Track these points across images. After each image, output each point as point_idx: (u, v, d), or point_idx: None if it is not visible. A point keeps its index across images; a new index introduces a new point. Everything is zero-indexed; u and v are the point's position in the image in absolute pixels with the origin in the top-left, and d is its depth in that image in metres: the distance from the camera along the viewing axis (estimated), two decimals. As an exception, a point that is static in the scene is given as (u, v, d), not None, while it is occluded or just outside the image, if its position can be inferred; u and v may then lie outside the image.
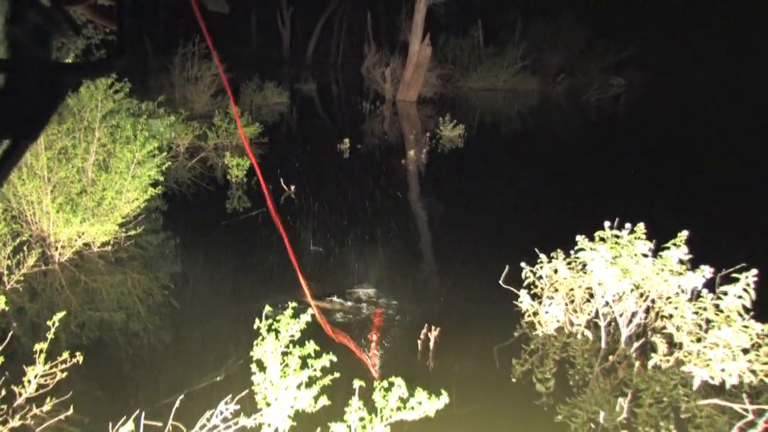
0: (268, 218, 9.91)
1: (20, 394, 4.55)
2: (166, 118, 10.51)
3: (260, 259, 8.26)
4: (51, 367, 4.63)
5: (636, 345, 5.92)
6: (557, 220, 9.98)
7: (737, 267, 5.61)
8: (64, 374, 4.65)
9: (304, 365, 4.10)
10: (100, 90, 7.95)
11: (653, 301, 5.99)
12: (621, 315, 6.00)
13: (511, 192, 12.55)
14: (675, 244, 5.72)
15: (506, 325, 6.47)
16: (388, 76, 27.66)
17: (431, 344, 5.91)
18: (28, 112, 0.60)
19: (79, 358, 4.65)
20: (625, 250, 5.85)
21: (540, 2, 34.23)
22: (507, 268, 6.90)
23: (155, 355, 5.90)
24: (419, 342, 5.97)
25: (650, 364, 5.65)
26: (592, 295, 6.16)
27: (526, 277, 6.41)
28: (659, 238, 5.91)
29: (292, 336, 4.15)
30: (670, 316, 5.74)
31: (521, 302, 6.40)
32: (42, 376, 4.64)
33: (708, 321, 5.53)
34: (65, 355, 4.63)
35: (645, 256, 5.79)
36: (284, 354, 4.12)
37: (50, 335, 4.63)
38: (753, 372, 5.23)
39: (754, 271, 5.29)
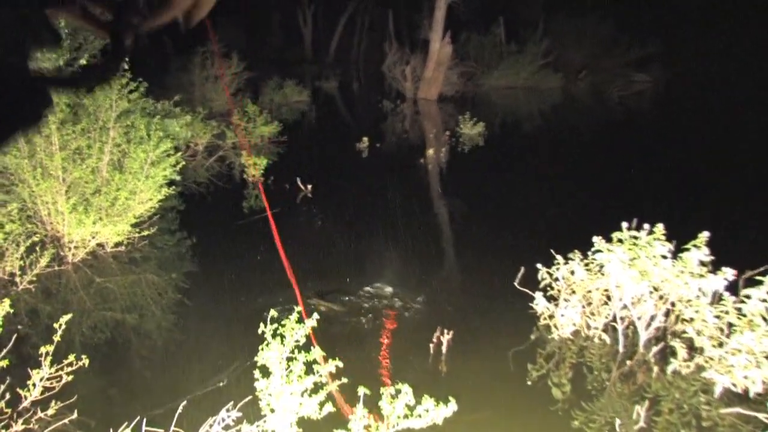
0: (282, 218, 9.87)
1: (26, 398, 4.51)
2: (183, 118, 10.48)
3: (274, 260, 8.19)
4: (57, 370, 4.58)
5: (655, 349, 5.74)
6: (576, 219, 9.80)
7: (761, 269, 5.43)
8: (70, 377, 4.61)
9: (309, 371, 4.02)
10: (114, 89, 7.93)
11: (673, 304, 5.81)
12: (639, 318, 5.83)
13: (529, 191, 12.36)
14: (695, 246, 5.54)
15: (522, 328, 6.32)
16: (408, 74, 27.50)
17: (444, 348, 5.79)
18: None
19: (85, 361, 4.60)
20: (643, 252, 5.67)
21: (563, -1, 33.91)
22: (522, 269, 6.75)
23: (163, 357, 5.87)
24: (431, 345, 5.85)
25: (670, 369, 5.49)
26: (609, 298, 5.99)
27: (543, 279, 6.27)
28: (679, 239, 5.73)
29: (297, 341, 4.06)
30: (691, 319, 5.56)
31: (537, 305, 6.26)
32: (48, 379, 4.59)
33: (730, 325, 5.34)
34: (71, 358, 4.58)
35: (664, 257, 5.61)
36: (289, 360, 4.03)
37: (57, 338, 4.59)
38: (777, 379, 5.04)
39: (779, 274, 5.11)
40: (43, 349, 4.53)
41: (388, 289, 7.14)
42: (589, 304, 6.13)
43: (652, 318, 5.84)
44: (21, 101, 0.56)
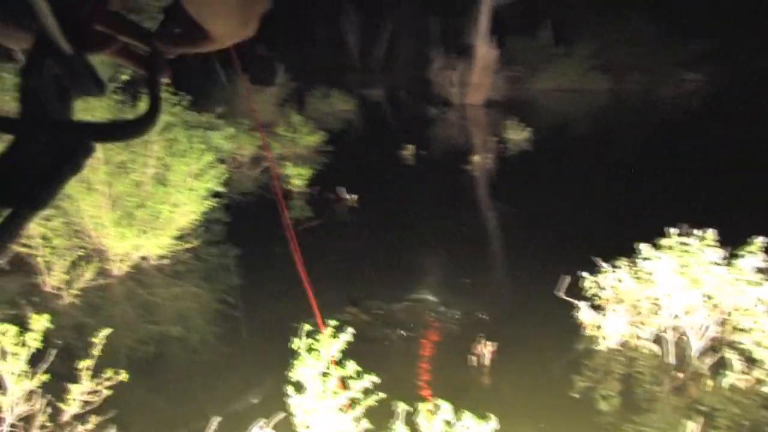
0: (326, 228, 9.85)
1: (66, 411, 4.54)
2: (226, 130, 10.57)
3: (317, 272, 8.16)
4: (97, 384, 4.61)
5: (709, 361, 5.48)
6: (623, 225, 9.49)
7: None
8: (110, 392, 4.62)
9: (344, 386, 3.94)
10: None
11: (728, 314, 5.54)
12: (691, 328, 5.57)
13: (574, 196, 12.07)
14: (750, 252, 5.28)
15: (566, 339, 6.12)
16: (454, 79, 27.37)
17: (486, 360, 5.64)
18: (35, 178, 0.53)
19: (124, 375, 4.62)
20: (693, 259, 5.43)
21: (611, -1, 33.29)
22: (566, 278, 6.54)
23: (206, 370, 5.86)
24: (473, 357, 5.70)
25: (725, 382, 5.22)
26: (658, 307, 5.74)
27: (588, 288, 6.05)
28: (733, 245, 5.47)
29: (332, 356, 3.99)
30: (749, 329, 5.28)
31: (581, 314, 6.05)
32: (89, 393, 4.62)
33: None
34: (110, 372, 4.60)
35: (716, 264, 5.36)
36: (324, 375, 3.96)
37: (95, 352, 4.62)
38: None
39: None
40: (81, 364, 4.56)
41: (429, 299, 7.03)
42: (638, 313, 5.89)
43: (705, 328, 5.57)
44: (66, 155, 0.53)
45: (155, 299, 7.23)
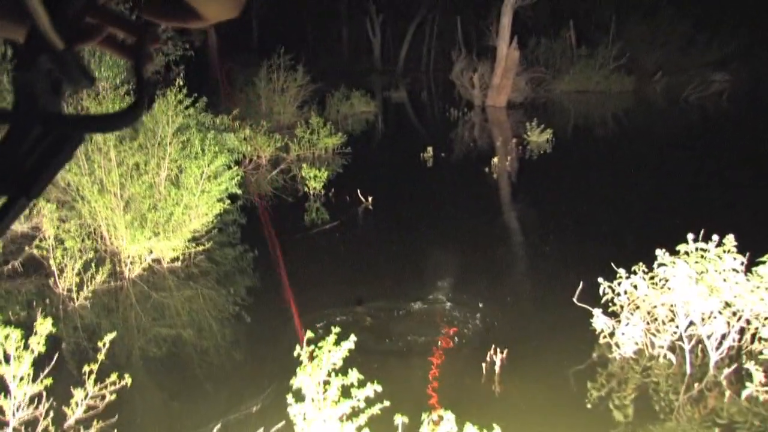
0: (342, 231, 9.79)
1: (69, 416, 4.52)
2: (241, 132, 10.56)
3: (332, 274, 8.11)
4: (101, 389, 4.58)
5: (727, 371, 5.31)
6: (643, 230, 9.29)
7: None
8: (114, 396, 4.60)
9: (346, 395, 3.86)
10: (171, 105, 8.02)
11: (748, 322, 5.37)
12: (709, 337, 5.40)
13: (597, 200, 11.87)
14: (771, 259, 5.11)
15: (581, 347, 5.97)
16: (476, 81, 27.17)
17: (497, 367, 5.52)
18: (28, 168, 0.55)
19: (128, 380, 4.59)
20: (711, 265, 5.26)
21: (636, -1, 32.85)
22: (581, 284, 6.39)
23: (217, 374, 5.82)
24: (484, 365, 5.59)
25: (745, 393, 5.05)
26: (675, 314, 5.58)
27: (604, 294, 5.90)
28: (754, 253, 5.30)
29: (334, 364, 3.91)
30: (769, 338, 5.12)
31: (595, 321, 5.90)
32: (93, 398, 4.60)
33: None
34: (114, 377, 4.57)
35: (735, 271, 5.19)
36: (325, 383, 3.88)
37: (103, 356, 4.61)
38: None
39: None
40: (87, 368, 4.54)
41: (442, 303, 6.93)
42: (654, 320, 5.74)
43: (724, 337, 5.40)
44: (58, 146, 0.52)
45: (167, 301, 7.21)
